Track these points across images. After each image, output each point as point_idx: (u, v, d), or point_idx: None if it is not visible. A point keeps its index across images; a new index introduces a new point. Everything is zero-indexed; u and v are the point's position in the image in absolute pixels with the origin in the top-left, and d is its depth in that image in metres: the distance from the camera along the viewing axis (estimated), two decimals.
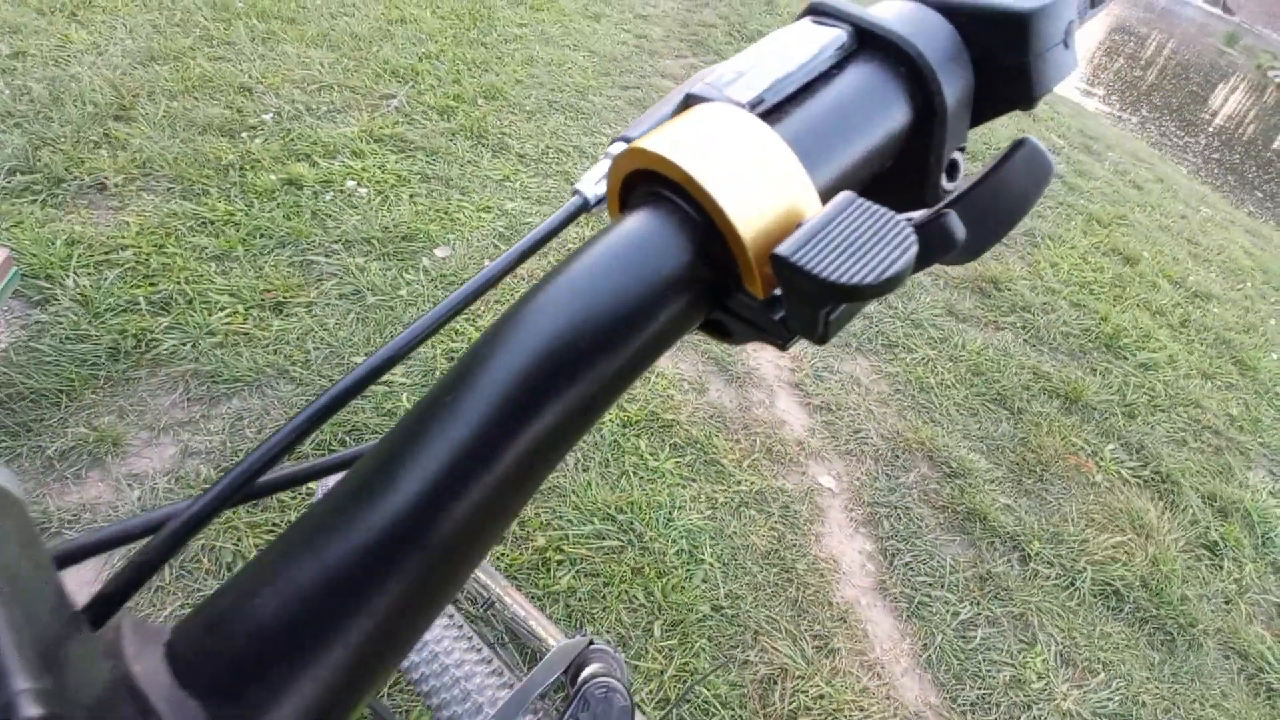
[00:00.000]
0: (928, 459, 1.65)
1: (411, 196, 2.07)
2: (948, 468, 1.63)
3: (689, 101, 0.19)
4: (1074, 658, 1.32)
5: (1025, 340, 2.12)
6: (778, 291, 0.17)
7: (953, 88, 0.19)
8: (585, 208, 0.22)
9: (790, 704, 1.13)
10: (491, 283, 0.20)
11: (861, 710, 1.15)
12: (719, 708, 1.10)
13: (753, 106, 0.18)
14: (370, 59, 2.73)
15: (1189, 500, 1.71)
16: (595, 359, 0.16)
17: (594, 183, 0.23)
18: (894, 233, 0.14)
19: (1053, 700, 1.24)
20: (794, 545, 1.39)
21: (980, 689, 1.23)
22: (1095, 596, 1.44)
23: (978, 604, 1.37)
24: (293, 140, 2.18)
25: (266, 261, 1.75)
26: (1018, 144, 0.18)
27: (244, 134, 2.16)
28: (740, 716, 1.10)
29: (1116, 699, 1.28)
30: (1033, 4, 0.18)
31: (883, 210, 0.15)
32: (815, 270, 0.14)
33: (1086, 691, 1.27)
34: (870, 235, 0.14)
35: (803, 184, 0.17)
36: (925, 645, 1.28)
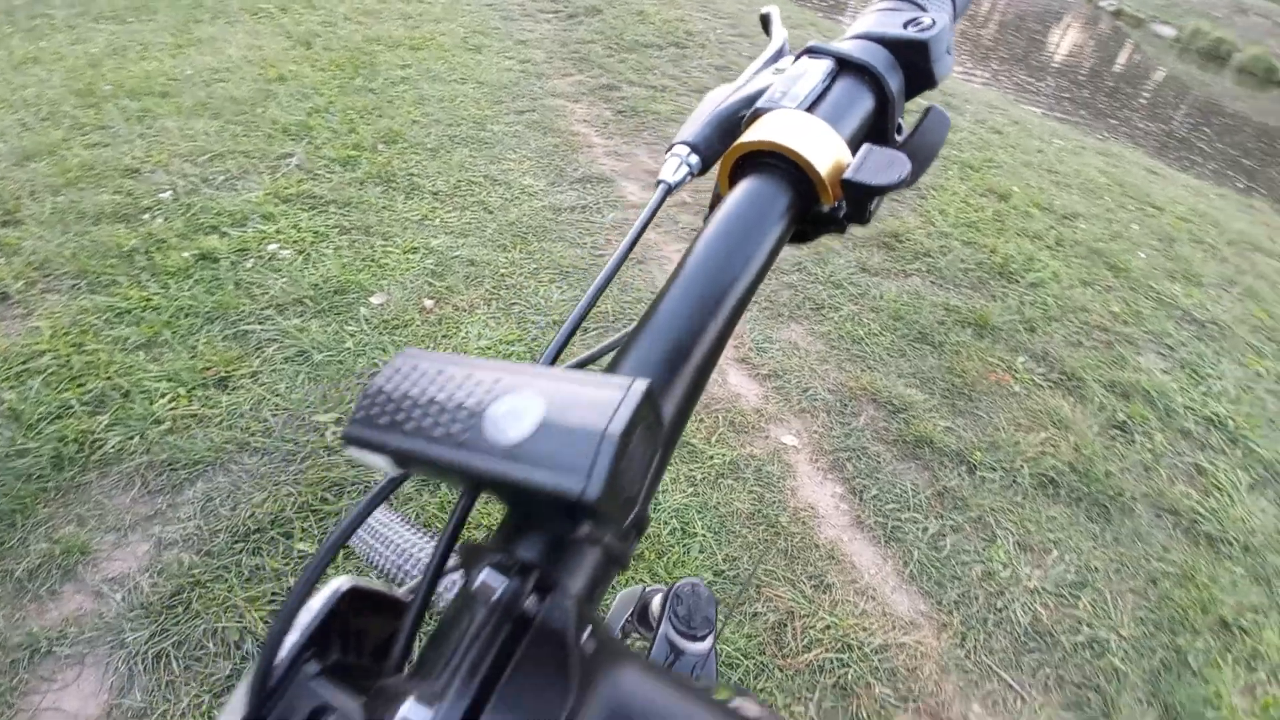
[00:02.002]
0: (872, 402, 1.80)
1: (335, 250, 2.06)
2: (891, 406, 1.79)
3: (757, 113, 0.29)
4: (1029, 543, 1.49)
5: (932, 282, 2.33)
6: (838, 203, 0.27)
7: (894, 85, 0.31)
8: (670, 191, 0.31)
9: (803, 640, 1.23)
10: (618, 266, 0.28)
11: (865, 630, 1.26)
12: (741, 659, 1.19)
13: (800, 107, 0.29)
14: (257, 121, 2.68)
15: (1094, 391, 1.94)
16: (754, 263, 0.26)
17: (671, 173, 0.31)
18: (897, 158, 0.25)
19: (1020, 583, 1.41)
20: (773, 502, 1.50)
21: (959, 588, 1.38)
22: (1035, 488, 1.62)
23: (941, 517, 1.52)
24: (196, 214, 2.12)
25: (198, 340, 1.71)
26: (929, 109, 0.30)
27: (141, 216, 2.08)
28: (761, 662, 1.19)
29: (1072, 570, 1.45)
30: (928, 35, 0.30)
31: (888, 149, 0.26)
32: (867, 181, 0.25)
33: (1046, 569, 1.45)
34: (886, 161, 0.25)
35: (839, 143, 0.28)
36: (905, 563, 1.42)
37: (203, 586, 1.21)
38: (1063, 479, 1.65)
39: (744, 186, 0.28)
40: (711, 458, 1.57)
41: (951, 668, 1.25)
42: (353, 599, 0.21)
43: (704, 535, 1.40)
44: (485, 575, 0.17)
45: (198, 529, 1.31)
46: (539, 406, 0.16)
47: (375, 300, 1.91)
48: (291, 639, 0.19)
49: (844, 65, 0.31)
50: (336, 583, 0.21)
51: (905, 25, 0.31)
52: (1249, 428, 1.93)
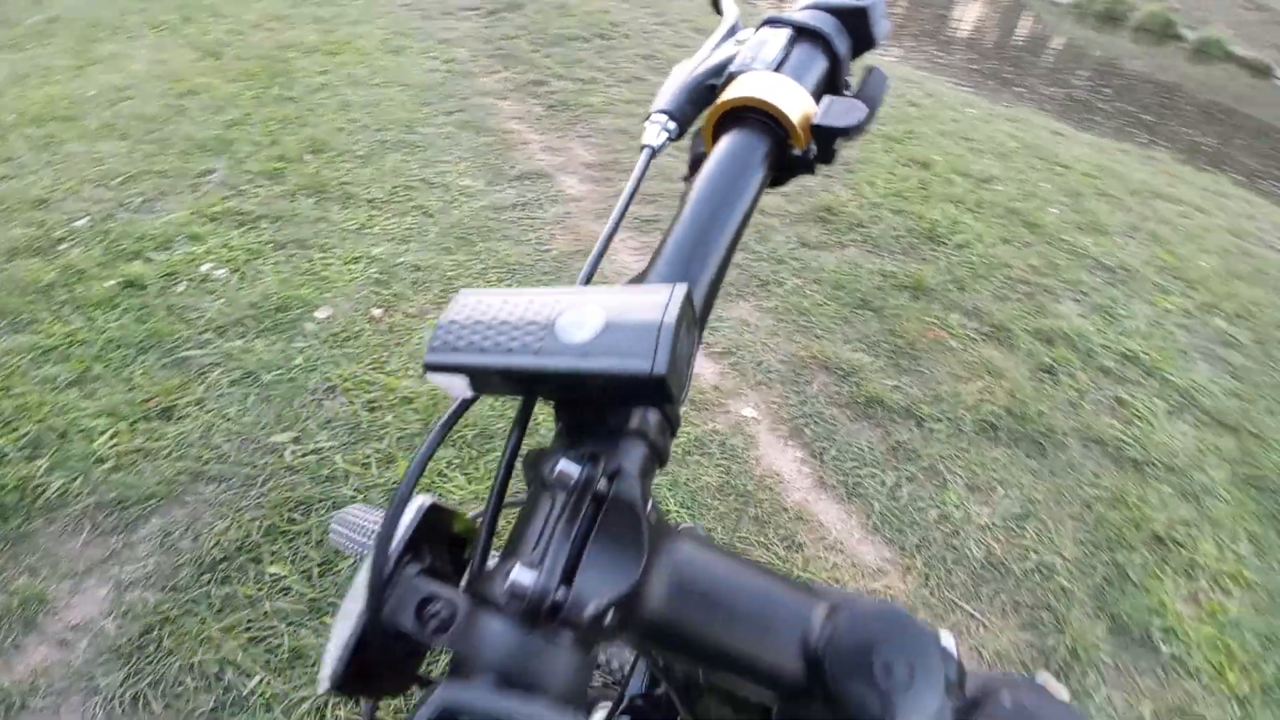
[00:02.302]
0: (823, 369, 1.88)
1: (272, 266, 2.00)
2: (840, 371, 1.87)
3: (731, 76, 0.33)
4: (977, 485, 1.60)
5: (868, 250, 2.43)
6: (808, 147, 0.32)
7: (843, 47, 0.36)
8: (654, 154, 0.33)
9: None
10: (617, 225, 0.30)
11: (838, 582, 1.34)
12: None
13: (769, 69, 0.33)
14: (170, 138, 2.56)
15: (1022, 340, 2.08)
16: (744, 199, 0.30)
17: (654, 138, 0.34)
18: (855, 105, 0.30)
19: (972, 521, 1.51)
20: (740, 473, 1.55)
21: (919, 533, 1.47)
22: (977, 434, 1.74)
23: (897, 469, 1.61)
24: (115, 241, 2.02)
25: (134, 371, 1.64)
26: (871, 69, 0.35)
27: (57, 248, 1.97)
28: None
29: (1017, 504, 1.57)
30: (868, 2, 0.36)
31: (846, 98, 0.30)
32: (834, 124, 0.30)
33: (994, 506, 1.55)
34: (847, 108, 0.30)
35: (805, 96, 0.32)
36: (868, 515, 1.50)
37: (173, 623, 1.18)
38: (1001, 422, 1.77)
39: (730, 138, 0.32)
40: (676, 437, 1.61)
41: (919, 605, 1.34)
42: (431, 513, 0.23)
43: (678, 511, 1.44)
44: (561, 465, 0.20)
45: (159, 565, 1.27)
46: (600, 312, 0.20)
47: (321, 314, 1.87)
48: (393, 546, 0.22)
49: (800, 32, 0.35)
50: (420, 500, 0.23)
51: None
52: (1162, 360, 2.11)
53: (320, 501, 1.39)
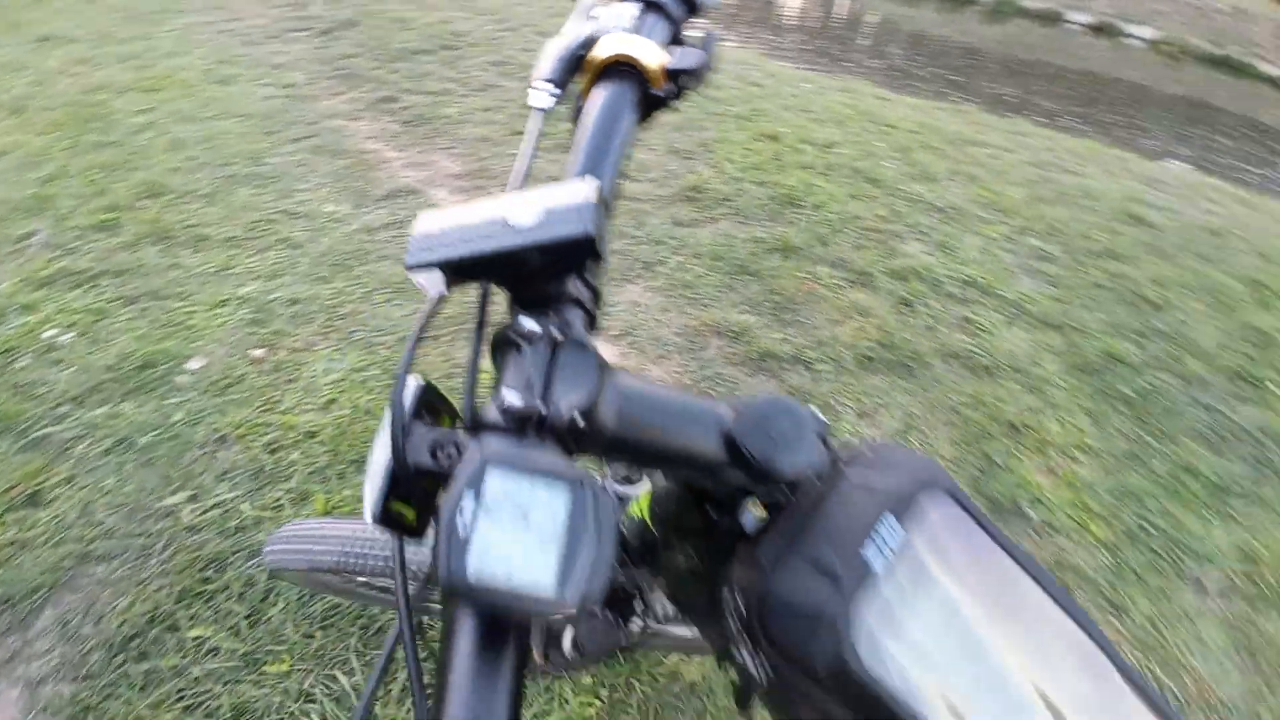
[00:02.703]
0: (715, 334, 2.01)
1: (125, 324, 1.84)
2: (731, 333, 2.01)
3: (595, 36, 0.40)
4: (865, 411, 1.79)
5: (737, 221, 2.60)
6: (665, 88, 0.39)
7: (679, 13, 0.43)
8: (545, 115, 0.39)
9: None
10: (524, 180, 0.36)
11: None
12: None
13: (628, 31, 0.39)
14: None
15: (881, 280, 2.32)
16: (623, 130, 0.37)
17: (542, 102, 0.39)
18: (697, 52, 0.37)
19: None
20: None
21: None
22: (858, 367, 1.93)
23: None
24: None
25: None
26: (705, 31, 0.43)
27: None
28: None
29: (899, 421, 1.76)
30: None
31: (693, 49, 0.37)
32: (684, 67, 0.37)
33: (881, 427, 1.74)
34: (696, 55, 0.37)
35: (658, 49, 0.39)
36: None
37: (95, 710, 1.09)
38: (876, 354, 1.98)
39: (606, 87, 0.39)
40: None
41: None
42: (425, 391, 0.29)
43: None
44: (524, 323, 0.26)
45: (65, 656, 1.16)
46: (540, 203, 0.26)
47: (193, 365, 1.75)
48: (401, 417, 0.27)
49: (648, 5, 0.43)
50: (414, 380, 0.28)
51: None
52: (994, 280, 2.43)
53: (235, 553, 1.32)
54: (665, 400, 0.30)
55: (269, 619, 1.23)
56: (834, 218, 2.66)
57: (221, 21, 4.12)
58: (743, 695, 0.38)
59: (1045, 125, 5.33)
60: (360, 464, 1.52)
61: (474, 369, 0.29)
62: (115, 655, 1.16)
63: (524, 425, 0.25)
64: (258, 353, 1.80)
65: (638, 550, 0.43)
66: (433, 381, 0.29)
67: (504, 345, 0.28)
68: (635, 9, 0.42)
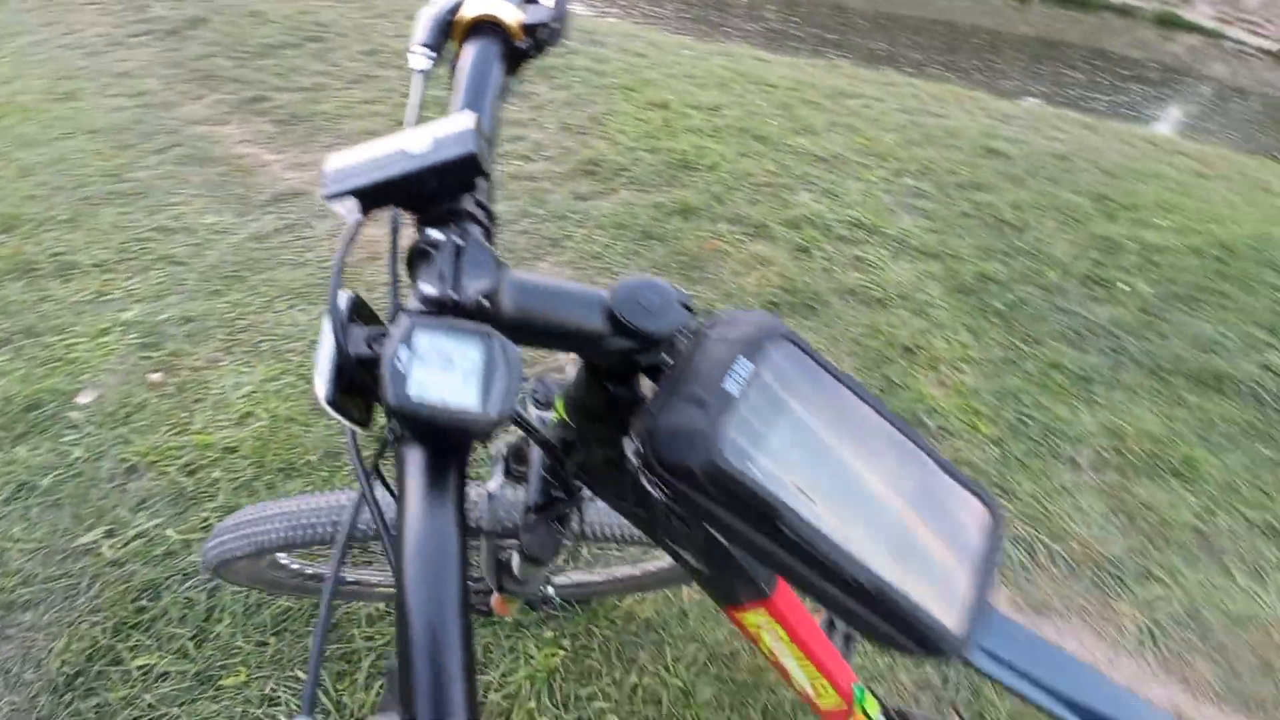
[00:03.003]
0: None
1: (3, 366, 1.70)
2: None
3: (462, 4, 0.43)
4: None
5: (635, 189, 2.67)
6: (525, 41, 0.44)
7: None
8: (426, 76, 0.43)
9: None
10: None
11: None
12: None
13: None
14: None
15: (777, 231, 2.46)
16: (496, 75, 0.43)
17: (422, 64, 0.43)
18: (550, 7, 0.43)
19: None
20: None
21: None
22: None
23: None
24: None
25: None
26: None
27: None
28: None
29: None
30: None
31: (545, 6, 0.43)
32: (538, 21, 0.43)
33: None
34: (547, 11, 0.42)
35: (513, 8, 0.44)
36: None
37: None
38: (781, 299, 2.11)
39: (474, 44, 0.44)
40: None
41: None
42: (355, 302, 0.33)
43: None
44: (431, 233, 0.31)
45: (14, 704, 1.11)
46: (430, 134, 0.30)
47: (84, 399, 1.65)
48: (339, 318, 0.32)
49: None
50: (345, 293, 0.33)
51: None
52: (877, 219, 2.62)
53: (168, 579, 1.28)
54: (554, 287, 0.37)
55: (216, 635, 1.21)
56: (727, 177, 2.78)
57: (58, 37, 3.73)
58: (651, 529, 0.48)
59: (914, 75, 5.69)
60: (289, 471, 1.49)
61: (394, 276, 0.34)
62: (63, 695, 1.12)
63: (441, 309, 0.30)
64: (155, 376, 1.71)
65: (562, 450, 0.49)
66: (359, 296, 0.34)
67: (417, 256, 0.33)
68: None
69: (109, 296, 1.96)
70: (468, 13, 0.45)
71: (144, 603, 1.25)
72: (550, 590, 1.10)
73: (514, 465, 0.66)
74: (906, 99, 4.18)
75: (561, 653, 1.23)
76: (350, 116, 3.03)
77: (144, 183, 2.48)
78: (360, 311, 0.34)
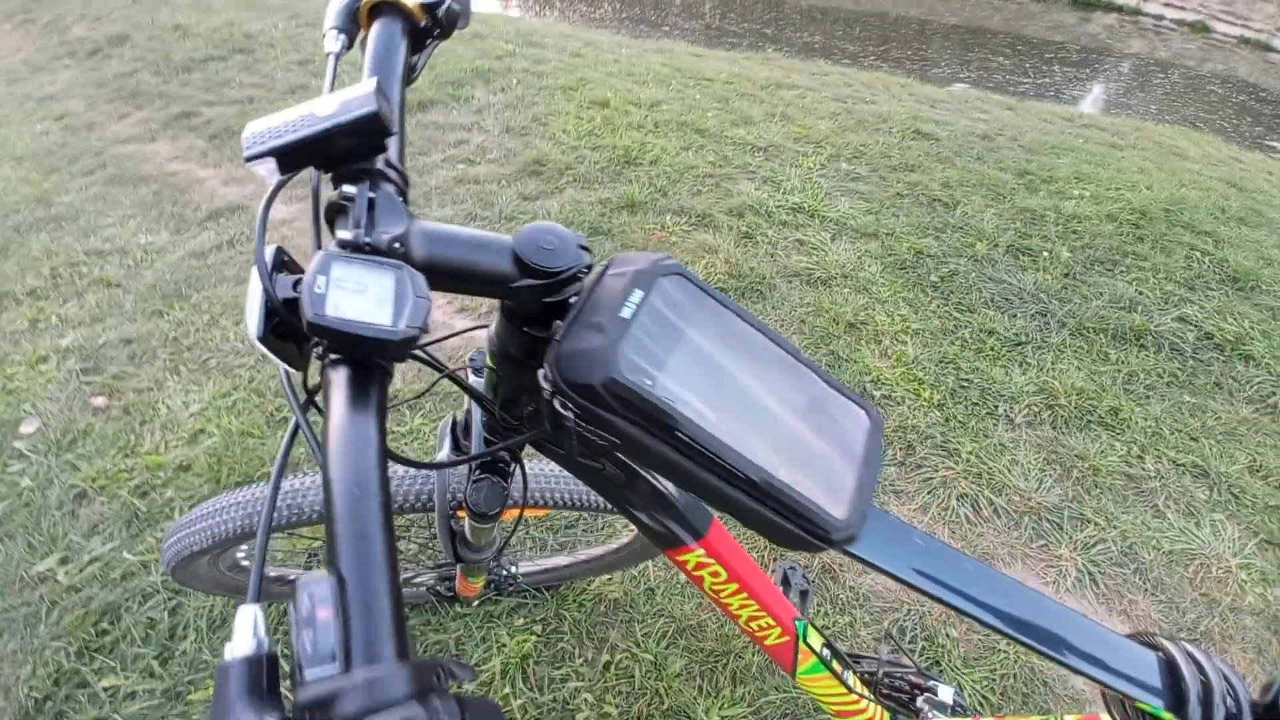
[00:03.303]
0: None
1: None
2: None
3: None
4: None
5: (581, 187, 2.70)
6: (426, 21, 0.48)
7: None
8: (339, 56, 0.46)
9: None
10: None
11: None
12: None
13: None
14: None
15: (721, 220, 2.53)
16: (401, 51, 0.46)
17: (336, 46, 0.46)
18: None
19: None
20: None
21: None
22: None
23: None
24: None
25: None
26: None
27: None
28: None
29: None
30: None
31: None
32: (438, 1, 0.46)
33: None
34: None
35: None
36: None
37: None
38: (727, 284, 2.17)
39: (381, 24, 0.48)
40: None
41: None
42: (278, 253, 0.37)
43: None
44: (346, 189, 0.35)
45: None
46: (336, 99, 0.34)
47: (27, 429, 1.60)
48: (265, 265, 0.35)
49: None
50: (272, 246, 0.36)
51: None
52: (817, 204, 2.72)
53: (127, 600, 1.27)
54: (463, 234, 0.41)
55: (182, 652, 1.20)
56: (670, 170, 2.84)
57: None
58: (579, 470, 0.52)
59: (851, 66, 5.87)
60: (248, 484, 1.48)
61: (317, 229, 0.38)
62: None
63: (356, 251, 0.34)
64: (99, 401, 1.68)
65: (493, 399, 0.53)
66: (286, 252, 0.38)
67: (334, 210, 0.37)
68: None
69: (43, 324, 1.90)
70: None
71: (105, 625, 1.23)
72: (515, 570, 1.13)
73: (461, 440, 0.69)
74: (839, 88, 4.32)
75: (533, 638, 1.26)
76: None
77: (73, 206, 2.40)
78: (285, 261, 0.38)
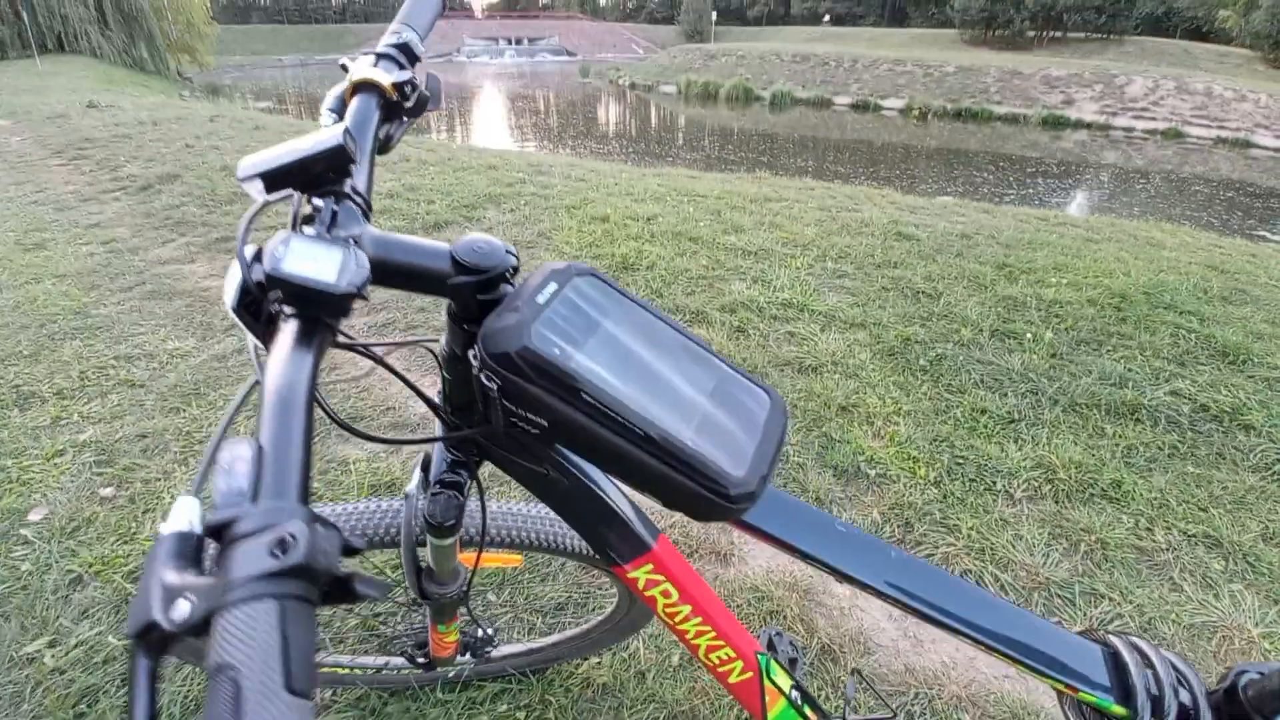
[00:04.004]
0: None
1: None
2: None
3: (349, 69, 0.57)
4: None
5: None
6: (397, 97, 0.58)
7: (402, 60, 0.62)
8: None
9: None
10: None
11: None
12: None
13: (370, 66, 0.58)
14: None
15: (715, 316, 2.65)
16: (374, 123, 0.55)
17: (328, 121, 0.56)
18: (421, 77, 0.57)
19: None
20: None
21: None
22: None
23: None
24: None
25: None
26: (430, 75, 0.62)
27: None
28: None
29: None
30: (408, 76, 0.61)
31: (408, 72, 0.56)
32: (403, 80, 0.57)
33: None
34: (409, 73, 0.56)
35: (389, 76, 0.58)
36: None
37: None
38: None
39: (360, 97, 0.58)
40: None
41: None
42: (258, 251, 0.44)
43: None
44: (316, 200, 0.43)
45: None
46: (313, 138, 0.43)
47: (35, 516, 1.65)
48: (244, 255, 0.41)
49: (378, 56, 0.61)
50: (253, 247, 0.43)
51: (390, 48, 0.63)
52: (806, 299, 2.85)
53: (106, 683, 1.25)
54: (410, 240, 0.48)
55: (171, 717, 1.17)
56: (665, 273, 3.02)
57: (30, 194, 3.98)
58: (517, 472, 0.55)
59: (842, 183, 6.31)
60: None
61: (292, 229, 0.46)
62: None
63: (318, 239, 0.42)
64: (107, 491, 1.73)
65: (443, 403, 0.59)
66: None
67: (305, 219, 0.45)
68: (372, 59, 0.62)
69: (65, 421, 2.00)
70: (353, 77, 0.59)
71: (83, 708, 1.20)
72: (490, 631, 1.11)
73: (430, 475, 0.74)
74: (824, 199, 4.64)
75: None
76: None
77: (109, 317, 2.59)
78: (262, 259, 0.45)
